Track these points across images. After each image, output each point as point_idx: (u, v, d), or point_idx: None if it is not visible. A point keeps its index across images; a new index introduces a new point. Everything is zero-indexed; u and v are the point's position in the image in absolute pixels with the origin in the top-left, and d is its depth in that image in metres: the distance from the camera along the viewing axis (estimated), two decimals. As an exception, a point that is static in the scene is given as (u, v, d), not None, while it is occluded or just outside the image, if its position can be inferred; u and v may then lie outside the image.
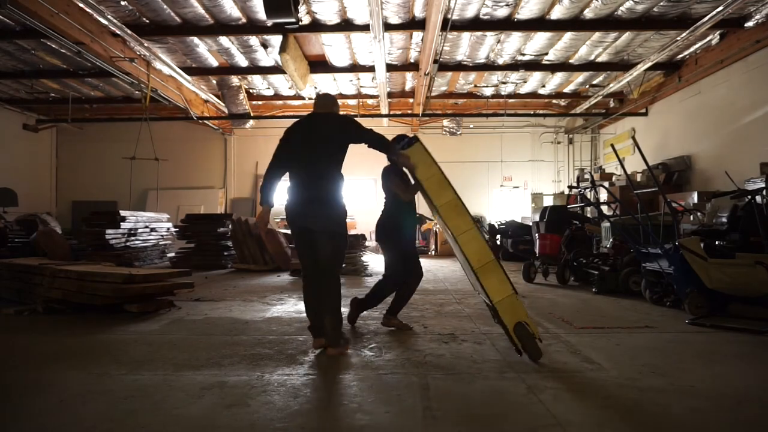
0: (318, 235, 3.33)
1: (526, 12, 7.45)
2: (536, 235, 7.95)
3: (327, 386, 2.72)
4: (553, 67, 9.84)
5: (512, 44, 8.74)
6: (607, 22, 7.73)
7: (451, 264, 9.88)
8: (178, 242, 10.17)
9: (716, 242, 4.94)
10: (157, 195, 12.66)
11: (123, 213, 8.60)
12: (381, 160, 3.64)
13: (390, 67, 9.66)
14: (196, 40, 8.56)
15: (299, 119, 3.63)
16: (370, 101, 12.46)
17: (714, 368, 3.01)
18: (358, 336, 3.82)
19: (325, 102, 3.69)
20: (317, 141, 3.42)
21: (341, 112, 3.79)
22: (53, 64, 9.64)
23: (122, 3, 7.14)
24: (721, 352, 3.36)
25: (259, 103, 12.57)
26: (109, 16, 7.09)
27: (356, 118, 3.69)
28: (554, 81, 10.92)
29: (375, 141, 3.47)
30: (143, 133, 9.66)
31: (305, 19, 7.73)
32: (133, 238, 8.79)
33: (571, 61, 9.54)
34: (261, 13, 7.17)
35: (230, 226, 9.55)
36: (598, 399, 2.51)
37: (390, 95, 11.70)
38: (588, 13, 7.45)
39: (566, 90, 11.58)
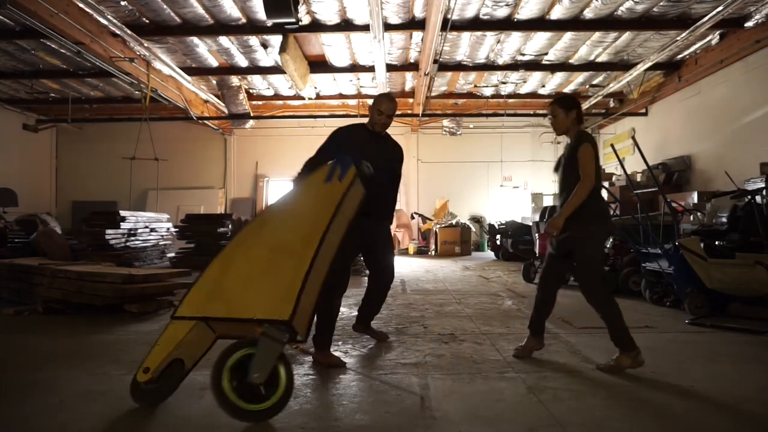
0: None
1: (526, 12, 7.44)
2: (536, 235, 7.95)
3: (327, 386, 2.73)
4: (553, 67, 9.84)
5: (512, 44, 8.74)
6: (607, 22, 7.73)
7: (452, 264, 9.88)
8: (178, 242, 10.15)
9: (716, 242, 4.93)
10: (157, 195, 12.64)
11: (123, 213, 8.57)
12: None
13: (390, 67, 9.65)
14: (196, 40, 8.55)
15: None
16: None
17: (714, 368, 3.01)
18: (358, 336, 3.82)
19: None
20: None
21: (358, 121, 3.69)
22: (53, 64, 9.63)
23: (122, 3, 7.14)
24: (721, 352, 3.36)
25: (259, 103, 12.55)
26: (108, 16, 7.08)
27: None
28: (554, 81, 10.92)
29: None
30: (143, 133, 9.65)
31: (305, 19, 7.72)
32: (133, 238, 8.76)
33: (571, 61, 9.54)
34: (261, 13, 7.16)
35: (230, 226, 9.55)
36: (597, 399, 2.51)
37: (390, 95, 11.69)
38: (588, 13, 7.45)
39: (566, 90, 11.57)
